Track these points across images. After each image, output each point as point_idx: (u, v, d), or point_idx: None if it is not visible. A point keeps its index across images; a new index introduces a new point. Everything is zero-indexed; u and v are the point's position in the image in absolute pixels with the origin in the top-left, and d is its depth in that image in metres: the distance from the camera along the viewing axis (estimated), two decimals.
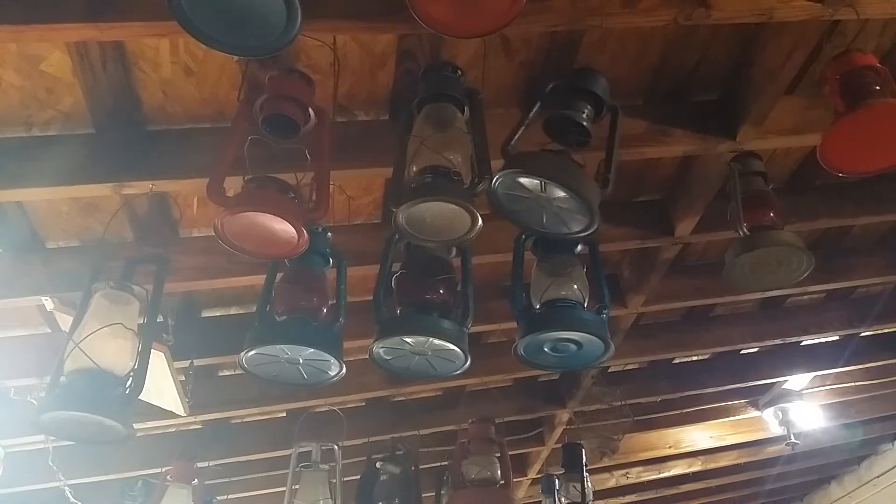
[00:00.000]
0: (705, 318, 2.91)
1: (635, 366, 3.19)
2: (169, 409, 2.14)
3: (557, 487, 2.93)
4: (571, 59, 1.64)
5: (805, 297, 2.91)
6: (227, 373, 2.57)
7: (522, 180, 1.36)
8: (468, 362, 1.54)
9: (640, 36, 1.65)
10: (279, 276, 1.60)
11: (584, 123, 1.41)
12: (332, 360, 1.51)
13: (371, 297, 1.55)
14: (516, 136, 1.46)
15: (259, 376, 1.57)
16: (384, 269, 1.58)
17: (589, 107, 1.43)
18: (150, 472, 2.60)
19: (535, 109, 1.47)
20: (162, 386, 2.01)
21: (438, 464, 2.78)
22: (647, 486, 4.47)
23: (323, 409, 2.72)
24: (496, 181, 1.36)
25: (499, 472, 2.31)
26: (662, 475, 4.33)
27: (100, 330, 1.44)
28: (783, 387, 3.67)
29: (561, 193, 1.35)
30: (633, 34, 1.64)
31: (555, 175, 1.33)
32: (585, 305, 1.57)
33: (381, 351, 1.53)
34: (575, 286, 1.57)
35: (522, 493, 3.87)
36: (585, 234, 1.45)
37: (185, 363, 2.20)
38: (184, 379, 2.16)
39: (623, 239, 2.11)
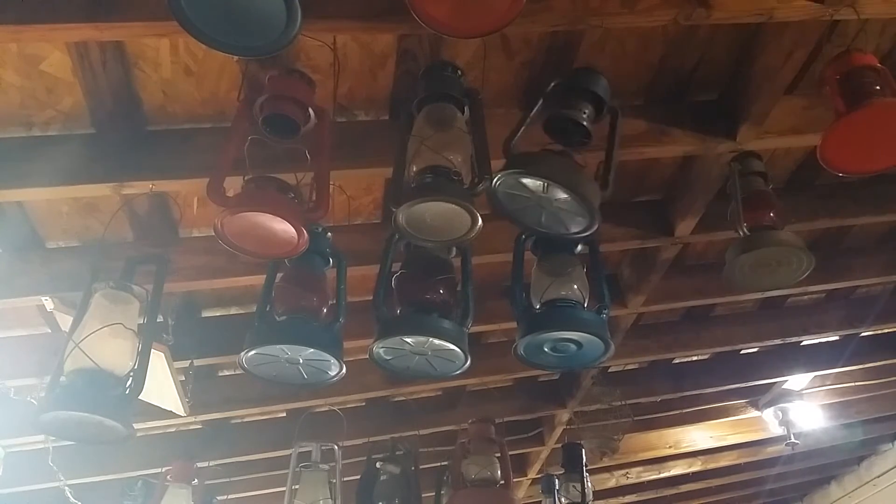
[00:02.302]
0: (705, 318, 2.91)
1: (635, 366, 3.19)
2: (169, 409, 2.14)
3: (557, 487, 2.92)
4: (571, 59, 1.64)
5: (805, 297, 2.91)
6: (227, 373, 2.57)
7: (524, 180, 1.36)
8: (468, 362, 1.54)
9: (640, 36, 1.65)
10: (279, 276, 1.60)
11: (585, 124, 1.41)
12: (332, 360, 1.51)
13: (371, 297, 1.55)
14: (517, 135, 1.46)
15: (259, 376, 1.56)
16: (384, 269, 1.58)
17: (590, 107, 1.43)
18: (150, 472, 2.59)
19: (536, 108, 1.47)
20: (162, 386, 2.01)
21: (438, 464, 2.78)
22: (647, 487, 4.47)
23: (323, 409, 2.72)
24: (497, 181, 1.36)
25: (499, 472, 2.31)
26: (662, 475, 4.33)
27: (100, 330, 1.44)
28: (783, 387, 3.67)
29: (562, 195, 1.35)
30: (633, 34, 1.64)
31: (557, 176, 1.33)
32: (585, 305, 1.57)
33: (381, 351, 1.53)
34: (575, 286, 1.57)
35: (522, 493, 3.87)
36: (585, 234, 1.45)
37: (185, 363, 2.20)
38: (184, 379, 2.16)
39: (623, 239, 2.11)
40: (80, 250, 1.87)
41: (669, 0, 1.35)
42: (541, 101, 1.47)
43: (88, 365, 1.40)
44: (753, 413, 3.84)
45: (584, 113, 1.42)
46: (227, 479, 2.88)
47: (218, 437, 2.78)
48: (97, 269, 1.58)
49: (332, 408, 2.61)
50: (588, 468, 2.91)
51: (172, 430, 2.70)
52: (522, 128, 1.47)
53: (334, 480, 2.29)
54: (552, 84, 1.46)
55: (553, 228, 1.45)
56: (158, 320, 1.61)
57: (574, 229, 1.44)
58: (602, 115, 1.47)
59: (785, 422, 3.80)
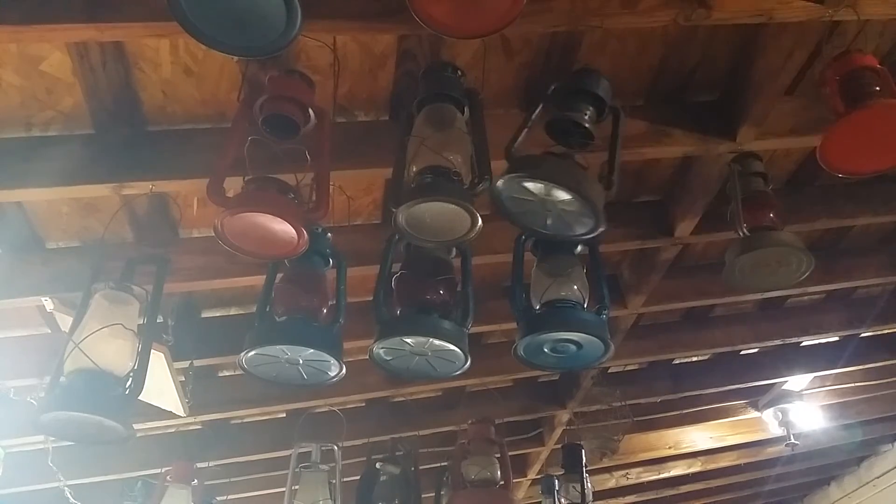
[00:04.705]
0: (705, 318, 2.91)
1: (635, 366, 3.19)
2: (169, 409, 2.15)
3: (557, 488, 2.92)
4: (571, 60, 1.64)
5: (805, 297, 2.91)
6: (227, 373, 2.57)
7: (527, 184, 1.35)
8: (468, 363, 1.54)
9: (640, 36, 1.65)
10: (279, 276, 1.60)
11: (587, 125, 1.40)
12: (332, 360, 1.51)
13: (371, 298, 1.55)
14: (519, 139, 1.45)
15: (259, 377, 1.56)
16: (384, 270, 1.58)
17: (591, 108, 1.42)
18: (150, 472, 2.59)
19: (537, 111, 1.47)
20: (162, 386, 2.01)
21: (438, 464, 2.77)
22: (646, 487, 4.47)
23: (323, 410, 2.72)
24: (500, 184, 1.35)
25: (499, 472, 2.30)
26: (662, 476, 4.33)
27: (100, 330, 1.44)
28: (783, 387, 3.67)
29: (566, 196, 1.34)
30: (633, 35, 1.64)
31: (560, 178, 1.32)
32: (585, 306, 1.57)
33: (381, 351, 1.52)
34: (575, 286, 1.57)
35: (522, 493, 3.87)
36: (590, 236, 1.45)
37: (185, 363, 2.20)
38: (184, 379, 2.16)
39: (623, 239, 2.11)
40: (80, 250, 1.87)
41: (669, 0, 1.35)
42: (541, 105, 1.47)
43: (88, 365, 1.40)
44: (753, 414, 3.84)
45: (586, 114, 1.41)
46: (227, 480, 2.88)
47: (218, 437, 2.78)
48: (97, 270, 1.58)
49: (332, 408, 2.61)
50: (588, 469, 2.91)
51: (172, 430, 2.70)
52: (524, 130, 1.46)
53: (334, 481, 2.29)
54: (552, 87, 1.46)
55: (558, 231, 1.45)
56: (158, 320, 1.61)
57: (579, 231, 1.43)
58: (604, 116, 1.46)
59: (785, 422, 3.80)
